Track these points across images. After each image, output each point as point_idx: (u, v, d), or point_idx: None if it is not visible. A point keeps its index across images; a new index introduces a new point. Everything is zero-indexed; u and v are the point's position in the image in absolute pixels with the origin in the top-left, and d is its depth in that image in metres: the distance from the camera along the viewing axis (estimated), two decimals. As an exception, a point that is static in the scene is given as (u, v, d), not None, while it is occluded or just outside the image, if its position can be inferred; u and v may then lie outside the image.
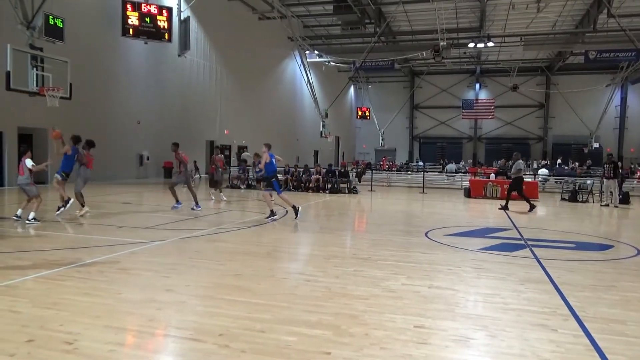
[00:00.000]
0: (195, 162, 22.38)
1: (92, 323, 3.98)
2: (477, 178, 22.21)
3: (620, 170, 17.53)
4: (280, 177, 20.66)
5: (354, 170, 28.49)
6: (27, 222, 8.99)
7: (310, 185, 19.24)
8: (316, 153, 42.37)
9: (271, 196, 10.96)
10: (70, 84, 14.00)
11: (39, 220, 9.13)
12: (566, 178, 21.78)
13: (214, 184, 15.00)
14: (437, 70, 44.72)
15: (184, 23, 21.13)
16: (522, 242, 8.67)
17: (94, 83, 19.23)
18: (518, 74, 41.23)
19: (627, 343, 3.86)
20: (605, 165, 16.79)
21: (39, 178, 16.66)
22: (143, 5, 19.15)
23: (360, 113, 46.32)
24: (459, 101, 45.35)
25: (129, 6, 18.85)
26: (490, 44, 29.30)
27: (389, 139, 45.02)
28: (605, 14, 25.05)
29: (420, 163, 41.46)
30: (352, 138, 53.03)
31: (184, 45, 21.23)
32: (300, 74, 32.46)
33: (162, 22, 19.58)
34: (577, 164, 32.40)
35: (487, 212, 13.89)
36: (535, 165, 34.31)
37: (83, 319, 4.08)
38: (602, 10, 25.56)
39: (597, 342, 3.82)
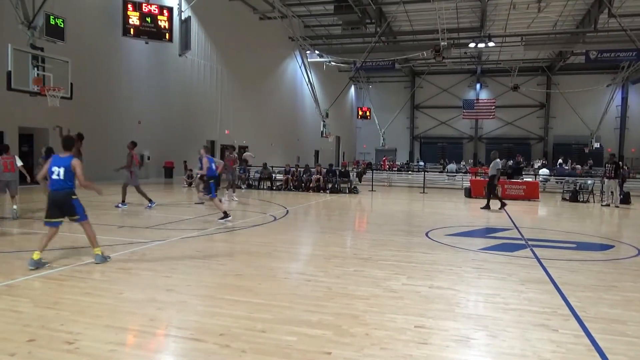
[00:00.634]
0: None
1: (93, 323, 3.99)
2: (477, 178, 22.19)
3: (621, 171, 17.51)
4: (280, 177, 20.81)
5: (355, 170, 28.48)
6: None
7: (311, 185, 19.25)
8: (317, 153, 42.37)
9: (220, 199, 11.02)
10: (71, 84, 14.00)
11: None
12: (567, 178, 21.78)
13: (228, 184, 14.67)
14: (437, 70, 44.70)
15: (185, 23, 21.11)
16: (523, 242, 8.67)
17: (95, 83, 19.24)
18: (519, 73, 41.19)
19: (628, 343, 3.86)
20: (607, 165, 16.78)
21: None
22: (144, 5, 19.15)
23: (360, 113, 46.33)
24: (459, 101, 45.32)
25: (129, 6, 18.85)
26: (491, 44, 29.27)
27: (390, 139, 45.03)
28: (606, 14, 25.01)
29: (421, 163, 41.45)
30: (352, 138, 53.03)
31: (185, 45, 21.22)
32: (301, 74, 32.45)
33: (162, 22, 19.57)
34: (577, 165, 32.30)
35: (488, 212, 13.87)
36: (536, 166, 34.29)
37: (84, 318, 4.09)
38: (603, 10, 25.53)
39: (597, 343, 3.82)
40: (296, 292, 5.08)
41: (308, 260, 6.98)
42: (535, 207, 16.35)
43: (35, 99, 13.95)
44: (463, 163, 38.50)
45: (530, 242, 8.56)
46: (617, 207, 15.90)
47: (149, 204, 11.82)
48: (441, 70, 45.09)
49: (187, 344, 3.67)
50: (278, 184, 20.27)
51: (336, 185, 19.18)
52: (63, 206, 5.86)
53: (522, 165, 31.15)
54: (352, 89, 51.57)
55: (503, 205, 14.21)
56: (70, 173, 5.82)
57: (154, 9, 19.40)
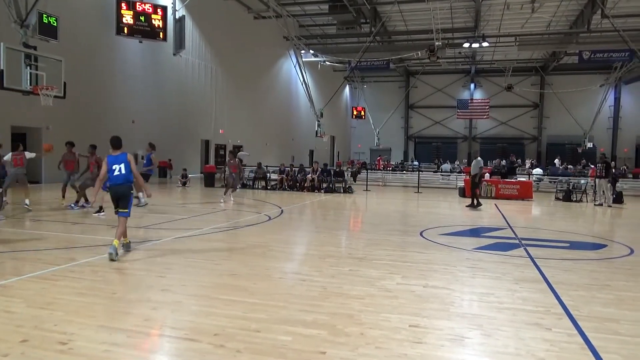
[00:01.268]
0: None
1: (86, 323, 3.97)
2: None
3: (613, 170, 17.64)
4: (274, 176, 20.78)
5: (349, 169, 28.51)
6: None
7: (305, 184, 19.25)
8: (311, 152, 42.36)
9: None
10: (65, 83, 13.94)
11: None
12: (560, 178, 21.92)
13: (228, 185, 14.53)
14: (432, 70, 44.82)
15: (179, 22, 21.09)
16: (517, 241, 8.71)
17: (89, 82, 19.13)
18: (513, 74, 41.38)
19: (621, 342, 3.89)
20: (597, 165, 16.91)
21: (35, 177, 16.58)
22: (137, 4, 19.08)
23: (355, 113, 46.37)
24: (454, 101, 45.44)
25: (123, 5, 18.78)
26: (485, 44, 29.39)
27: (384, 139, 45.11)
28: (599, 15, 25.17)
29: (416, 163, 41.55)
30: (347, 138, 53.07)
31: (179, 44, 21.19)
32: (296, 74, 32.44)
33: (156, 21, 19.52)
34: (569, 165, 32.46)
35: (482, 211, 13.94)
36: (527, 165, 34.44)
37: (78, 318, 4.07)
38: (596, 11, 25.70)
39: (591, 341, 3.85)
40: (291, 291, 5.07)
41: (303, 260, 6.98)
42: (529, 206, 16.43)
43: (28, 98, 13.88)
44: (457, 163, 38.61)
45: (524, 242, 8.60)
46: (610, 206, 16.02)
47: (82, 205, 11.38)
48: (435, 70, 45.22)
49: (181, 344, 3.66)
50: (273, 183, 20.25)
51: (331, 185, 19.19)
52: (121, 198, 6.51)
53: (516, 165, 31.30)
54: (347, 89, 51.61)
55: (478, 205, 14.39)
56: (128, 167, 6.52)
57: (147, 7, 19.34)
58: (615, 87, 41.29)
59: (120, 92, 21.28)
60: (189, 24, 23.62)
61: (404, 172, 33.77)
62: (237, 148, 28.74)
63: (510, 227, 10.52)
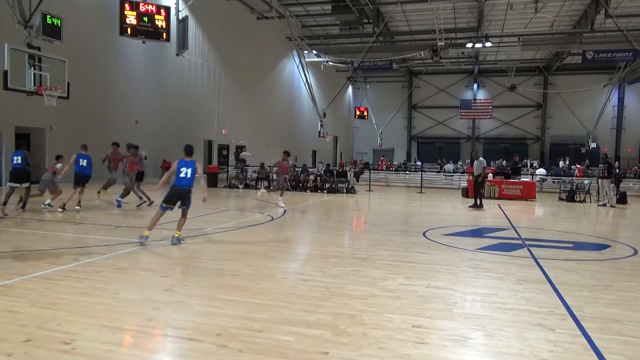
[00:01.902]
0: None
1: (90, 323, 3.98)
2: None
3: (617, 171, 17.58)
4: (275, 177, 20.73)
5: (352, 170, 28.49)
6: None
7: (308, 185, 19.24)
8: (314, 153, 42.36)
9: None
10: (68, 84, 13.97)
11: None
12: (564, 178, 21.85)
13: (281, 188, 14.27)
14: (435, 70, 44.74)
15: (182, 22, 21.09)
16: (520, 241, 8.69)
17: (92, 82, 19.18)
18: (516, 74, 41.28)
19: (624, 343, 3.87)
20: (600, 165, 16.86)
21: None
22: (141, 4, 19.10)
23: (358, 113, 46.34)
24: (457, 101, 45.36)
25: (126, 5, 18.80)
26: (488, 44, 29.32)
27: (387, 139, 45.05)
28: (603, 14, 25.06)
29: (418, 163, 41.46)
30: (350, 138, 53.04)
31: (182, 44, 21.19)
32: (299, 74, 32.43)
33: (160, 22, 19.53)
34: (573, 165, 32.29)
35: (485, 211, 13.90)
36: (535, 165, 34.35)
37: (81, 318, 4.08)
38: (600, 11, 25.57)
39: (594, 342, 3.83)
40: (293, 292, 5.07)
41: (305, 260, 6.98)
42: (532, 207, 16.39)
43: (32, 98, 13.91)
44: (460, 163, 38.53)
45: (527, 242, 8.58)
46: (613, 206, 15.96)
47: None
48: (438, 70, 45.14)
49: (184, 344, 3.66)
50: (275, 183, 20.22)
51: (334, 185, 19.18)
52: (182, 198, 7.48)
53: (520, 165, 31.22)
54: (350, 89, 51.58)
55: (480, 206, 14.43)
56: (194, 174, 7.44)
57: (151, 8, 19.35)
58: (619, 87, 41.09)
59: (123, 92, 21.32)
60: (192, 24, 23.65)
61: (407, 172, 33.71)
62: (240, 149, 28.80)
63: (514, 228, 10.50)
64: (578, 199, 17.78)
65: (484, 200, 15.15)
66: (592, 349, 3.71)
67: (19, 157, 10.41)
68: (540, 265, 6.64)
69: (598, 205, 16.46)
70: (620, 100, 43.23)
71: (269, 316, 4.25)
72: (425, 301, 4.84)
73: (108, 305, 4.45)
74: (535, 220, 13.29)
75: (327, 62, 36.31)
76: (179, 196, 7.46)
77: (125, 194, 12.05)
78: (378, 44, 31.35)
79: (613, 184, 16.62)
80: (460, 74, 47.19)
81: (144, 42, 20.19)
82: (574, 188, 18.30)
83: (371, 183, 22.07)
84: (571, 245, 8.59)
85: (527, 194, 18.31)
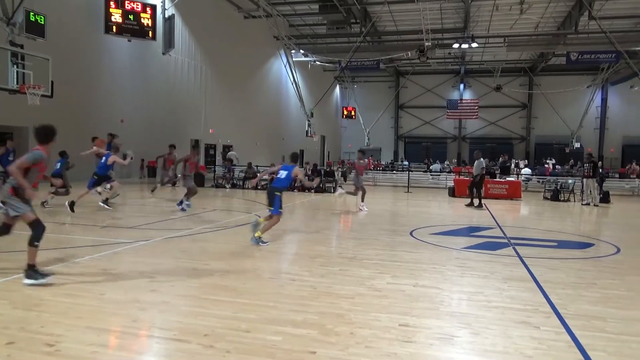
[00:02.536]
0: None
1: (74, 324, 3.93)
2: (461, 177, 22.41)
3: (600, 170, 17.87)
4: (265, 176, 20.68)
5: (340, 169, 28.53)
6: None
7: (296, 184, 19.22)
8: (302, 152, 42.30)
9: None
10: (52, 82, 13.79)
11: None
12: (548, 177, 22.13)
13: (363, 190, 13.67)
14: (422, 70, 44.94)
15: (169, 21, 20.90)
16: (506, 240, 8.78)
17: (77, 81, 18.93)
18: (501, 74, 41.65)
19: (607, 339, 3.94)
20: (585, 165, 17.12)
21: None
22: (126, 2, 18.89)
23: (345, 112, 46.36)
24: (443, 101, 45.65)
25: (112, 3, 18.58)
26: (474, 45, 29.53)
27: (375, 139, 45.14)
28: (587, 16, 25.43)
29: (405, 163, 41.61)
30: (337, 137, 53.08)
31: (169, 43, 21.01)
32: (286, 73, 32.38)
33: (145, 20, 19.32)
34: (557, 165, 32.67)
35: (471, 211, 14.02)
36: (521, 165, 34.69)
37: (65, 320, 4.02)
38: (584, 13, 25.93)
39: (578, 339, 3.89)
40: (281, 291, 5.07)
41: (293, 260, 6.97)
42: (518, 206, 16.58)
43: (15, 97, 13.69)
44: (447, 162, 38.79)
45: (512, 241, 8.67)
46: (597, 206, 16.21)
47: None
48: (425, 71, 45.37)
49: (170, 345, 3.64)
50: (263, 183, 20.18)
51: (321, 185, 19.19)
52: (269, 197, 7.91)
53: (509, 164, 31.53)
54: (337, 89, 51.63)
55: (472, 204, 14.70)
56: (289, 176, 7.94)
57: (136, 6, 19.15)
58: (602, 88, 41.70)
59: (108, 91, 21.08)
60: (178, 23, 23.44)
61: (394, 172, 33.86)
62: (227, 148, 28.67)
63: (499, 227, 10.61)
64: (562, 198, 18.02)
65: (471, 199, 15.25)
66: (576, 346, 3.76)
67: (58, 164, 11.12)
68: (525, 263, 6.71)
69: (582, 204, 16.70)
70: (604, 101, 43.89)
71: (257, 316, 4.24)
72: (412, 300, 4.87)
73: (93, 306, 4.39)
74: (520, 219, 13.45)
75: (314, 61, 36.27)
76: (269, 194, 8.00)
77: (190, 194, 11.84)
78: (365, 43, 31.41)
79: (597, 184, 16.87)
80: (447, 74, 47.50)
81: (129, 41, 19.97)
82: (559, 187, 18.55)
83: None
84: (555, 243, 8.71)
85: (513, 193, 18.52)
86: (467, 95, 47.41)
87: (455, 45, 30.07)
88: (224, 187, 20.22)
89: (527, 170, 27.33)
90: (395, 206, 15.71)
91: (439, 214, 13.54)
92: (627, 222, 13.12)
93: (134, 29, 19.10)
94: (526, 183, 23.97)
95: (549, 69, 41.74)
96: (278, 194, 7.77)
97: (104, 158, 11.19)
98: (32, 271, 4.98)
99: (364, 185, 13.69)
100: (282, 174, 7.93)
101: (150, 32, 19.55)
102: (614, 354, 3.65)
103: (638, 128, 41.22)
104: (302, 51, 32.73)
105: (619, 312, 4.67)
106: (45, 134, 5.25)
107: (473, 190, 15.04)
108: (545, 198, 18.65)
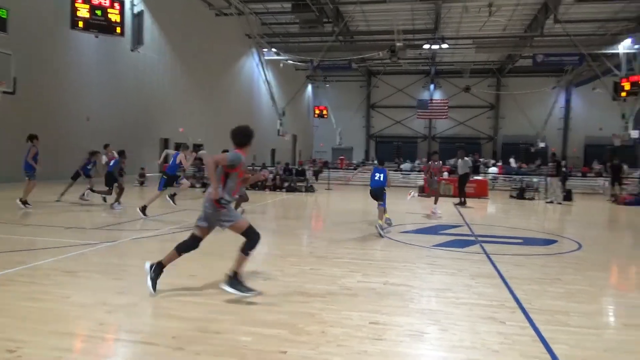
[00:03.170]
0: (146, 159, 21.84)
1: (37, 329, 3.81)
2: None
3: (564, 169, 18.45)
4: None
5: (311, 168, 28.54)
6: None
7: (267, 184, 19.13)
8: (273, 151, 42.15)
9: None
10: (15, 78, 13.32)
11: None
12: (514, 177, 22.70)
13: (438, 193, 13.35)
14: (393, 70, 45.40)
15: (137, 17, 20.49)
16: (473, 238, 8.96)
17: (41, 77, 18.33)
18: (470, 75, 42.46)
19: (569, 333, 4.07)
20: (549, 164, 17.65)
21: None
22: (93, -3, 18.40)
23: (317, 112, 46.39)
24: (414, 101, 46.14)
25: (78, -2, 18.06)
26: (444, 46, 29.98)
27: (346, 138, 45.36)
28: (552, 20, 26.20)
29: (376, 162, 41.82)
30: (309, 136, 53.07)
31: (138, 40, 20.59)
32: (258, 72, 32.19)
33: (113, 16, 18.84)
34: (523, 164, 33.48)
35: (441, 209, 14.24)
36: (490, 164, 35.42)
37: (27, 324, 3.89)
38: (550, 16, 26.70)
39: (542, 333, 4.01)
40: (252, 291, 5.03)
41: (264, 260, 6.94)
42: (485, 204, 16.94)
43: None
44: (417, 162, 39.29)
45: (480, 238, 8.87)
46: (560, 204, 16.72)
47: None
48: (396, 71, 45.83)
49: (138, 348, 3.57)
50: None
51: (292, 184, 19.16)
52: (377, 195, 9.46)
53: (479, 163, 32.16)
54: (309, 88, 51.61)
55: (464, 203, 15.13)
56: (385, 177, 9.57)
57: (104, 2, 18.67)
58: (566, 89, 43.05)
59: (74, 88, 20.49)
60: (147, 19, 23.00)
61: (366, 171, 34.01)
62: (198, 147, 28.27)
63: (467, 225, 10.82)
64: (527, 197, 18.51)
65: (440, 198, 15.51)
66: (540, 340, 3.88)
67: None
68: (491, 260, 6.87)
69: (546, 202, 17.20)
70: (567, 102, 45.27)
71: (227, 317, 4.20)
72: (382, 298, 4.92)
73: (57, 310, 4.27)
74: (487, 217, 13.74)
75: (286, 60, 36.17)
76: (375, 193, 9.45)
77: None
78: (338, 43, 31.52)
79: (560, 182, 17.40)
80: (418, 74, 48.10)
81: (96, 37, 19.46)
82: (524, 186, 19.05)
83: (330, 182, 22.19)
84: (521, 240, 8.94)
85: (480, 192, 18.91)
86: (437, 96, 48.11)
87: (426, 46, 30.45)
88: (194, 186, 19.95)
89: (493, 169, 27.94)
90: (366, 205, 15.82)
91: (409, 212, 13.70)
92: (588, 220, 13.58)
93: (101, 24, 18.60)
94: (493, 182, 24.51)
95: (516, 71, 42.79)
96: (384, 191, 9.56)
97: (172, 157, 11.50)
98: (236, 280, 4.74)
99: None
100: (379, 176, 9.64)
101: (118, 28, 19.07)
102: (576, 346, 3.78)
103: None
104: (274, 50, 32.58)
105: (581, 307, 4.83)
106: (245, 135, 5.05)
107: (464, 189, 15.52)
108: (511, 196, 19.12)
